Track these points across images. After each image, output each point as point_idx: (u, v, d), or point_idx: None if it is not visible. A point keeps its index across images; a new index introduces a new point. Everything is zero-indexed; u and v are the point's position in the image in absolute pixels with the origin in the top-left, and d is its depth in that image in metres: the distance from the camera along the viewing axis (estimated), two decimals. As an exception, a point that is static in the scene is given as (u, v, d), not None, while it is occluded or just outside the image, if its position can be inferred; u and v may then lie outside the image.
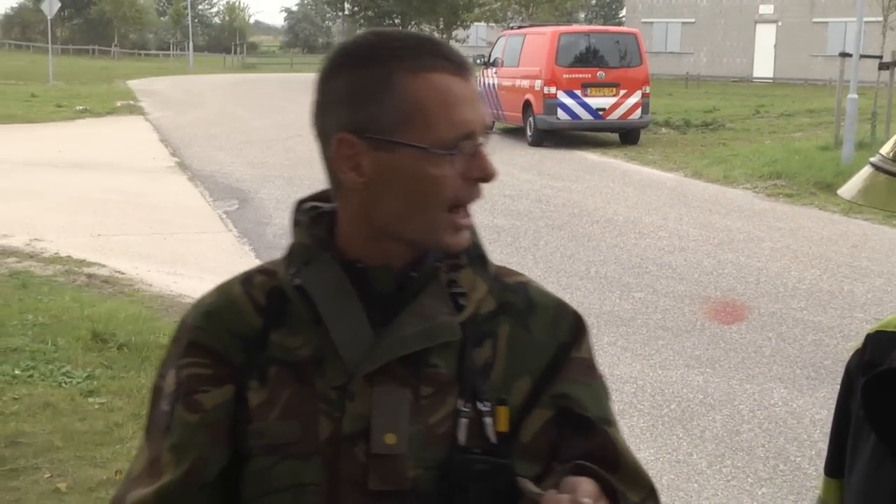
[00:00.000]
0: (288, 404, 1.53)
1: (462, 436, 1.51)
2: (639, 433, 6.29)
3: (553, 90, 21.91)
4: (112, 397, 6.22)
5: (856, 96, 18.15)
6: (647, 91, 22.70)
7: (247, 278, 1.63)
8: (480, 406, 1.53)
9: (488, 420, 1.53)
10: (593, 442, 1.55)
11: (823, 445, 6.38)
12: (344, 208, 1.57)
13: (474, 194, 1.52)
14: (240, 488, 1.55)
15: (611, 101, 22.16)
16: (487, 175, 1.51)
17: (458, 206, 1.52)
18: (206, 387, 1.55)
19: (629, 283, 10.00)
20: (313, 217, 1.60)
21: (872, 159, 1.41)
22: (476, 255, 1.62)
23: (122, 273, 10.23)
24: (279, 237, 12.21)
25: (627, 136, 22.87)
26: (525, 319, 1.61)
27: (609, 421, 1.60)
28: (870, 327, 1.66)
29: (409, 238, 1.54)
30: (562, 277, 10.15)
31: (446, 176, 1.50)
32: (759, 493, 5.49)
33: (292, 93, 42.07)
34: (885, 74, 19.91)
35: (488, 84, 25.05)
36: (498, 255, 11.77)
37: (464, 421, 1.52)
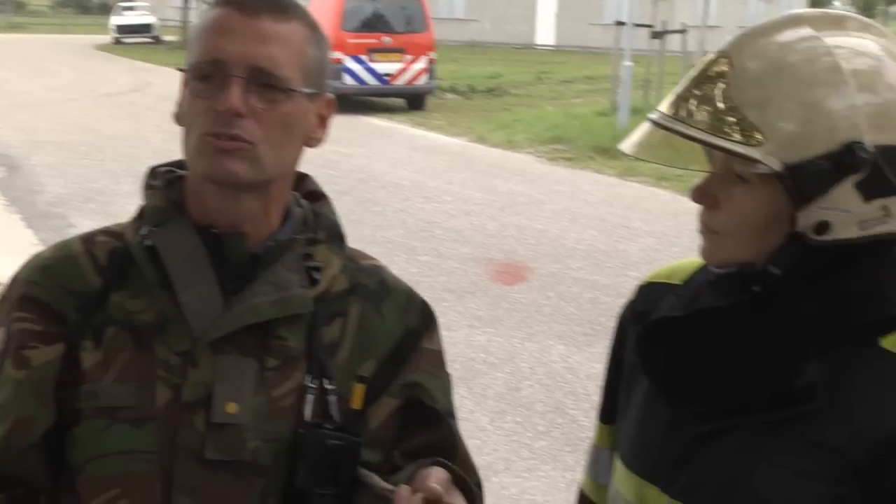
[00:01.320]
0: (125, 368, 1.48)
1: (307, 412, 1.49)
2: (424, 393, 6.38)
3: (338, 55, 21.75)
4: None
5: (630, 64, 18.73)
6: (433, 57, 22.79)
7: (89, 237, 1.57)
8: (327, 384, 1.51)
9: (332, 398, 1.51)
10: (438, 433, 1.59)
11: (598, 398, 6.60)
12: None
13: (219, 125, 1.45)
14: (68, 451, 1.49)
15: (397, 66, 22.19)
16: (222, 105, 1.44)
17: (211, 133, 1.46)
18: (35, 343, 1.49)
19: (415, 247, 10.08)
20: (169, 180, 1.57)
21: (651, 115, 1.46)
22: (334, 233, 1.62)
23: None
24: (52, 205, 11.77)
25: (414, 101, 22.95)
26: (378, 303, 1.61)
27: (453, 414, 1.63)
28: (641, 279, 1.72)
29: (191, 167, 1.51)
30: (349, 242, 10.04)
31: (194, 100, 1.48)
32: (538, 445, 5.67)
33: (64, 55, 40.40)
34: (657, 43, 20.73)
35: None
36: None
37: (310, 397, 1.50)
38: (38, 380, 1.48)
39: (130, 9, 55.86)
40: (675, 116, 1.41)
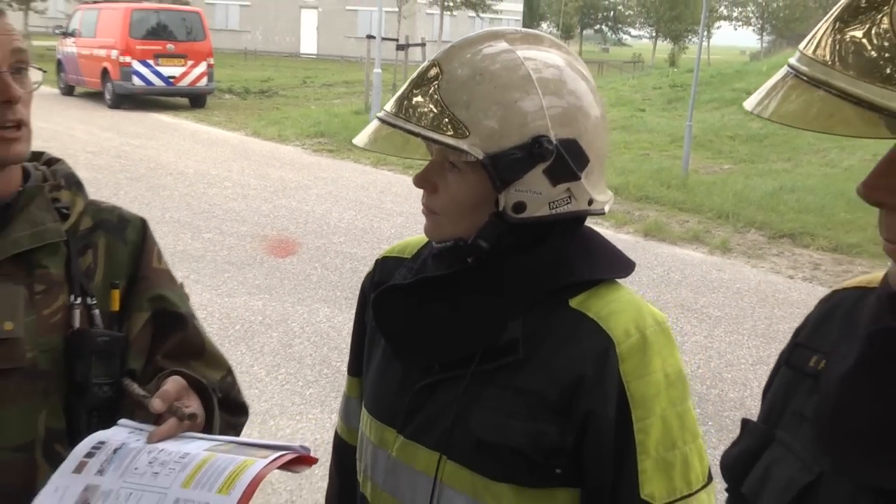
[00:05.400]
0: None
1: (76, 322, 1.52)
2: (209, 352, 6.23)
3: (128, 59, 20.87)
4: None
5: (380, 71, 18.83)
6: (212, 62, 22.18)
7: None
8: (89, 300, 1.54)
9: (95, 311, 1.54)
10: (186, 332, 1.63)
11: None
12: None
13: (8, 115, 1.46)
14: None
15: (180, 70, 21.47)
16: (8, 97, 1.46)
17: (1, 127, 1.47)
18: None
19: (199, 226, 9.79)
20: None
21: (379, 114, 1.45)
22: (72, 179, 1.65)
23: None
24: None
25: (196, 100, 22.29)
26: (120, 233, 1.64)
27: (194, 316, 1.69)
28: (378, 254, 1.71)
29: None
30: (139, 223, 9.71)
31: None
32: (308, 393, 5.62)
33: None
34: (402, 54, 20.96)
35: (68, 52, 23.38)
36: (79, 205, 10.75)
37: (76, 312, 1.52)
38: None
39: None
40: (398, 114, 1.41)
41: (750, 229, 10.74)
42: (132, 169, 13.09)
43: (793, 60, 0.85)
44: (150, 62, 21.12)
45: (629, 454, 1.36)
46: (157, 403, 1.37)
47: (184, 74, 21.57)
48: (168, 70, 21.33)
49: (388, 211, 11.06)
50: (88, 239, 1.60)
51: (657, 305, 8.44)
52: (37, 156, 1.70)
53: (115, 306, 1.57)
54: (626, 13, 60.56)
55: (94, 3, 24.78)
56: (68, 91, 23.75)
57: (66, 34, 23.89)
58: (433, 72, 1.41)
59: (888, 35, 0.77)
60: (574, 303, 1.43)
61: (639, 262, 10.03)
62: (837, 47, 0.80)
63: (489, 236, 1.42)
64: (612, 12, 60.33)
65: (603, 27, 63.27)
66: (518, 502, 1.40)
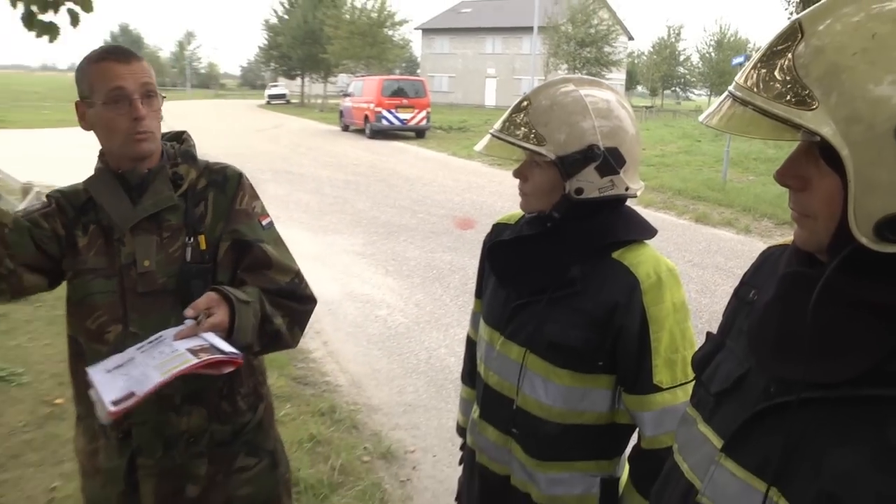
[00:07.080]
0: (99, 248, 1.46)
1: (188, 256, 1.46)
2: (418, 285, 6.30)
3: (380, 109, 21.44)
4: None
5: (531, 116, 18.41)
6: (430, 111, 22.39)
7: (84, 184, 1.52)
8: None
9: (202, 248, 1.48)
10: (254, 254, 1.50)
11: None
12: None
13: (138, 126, 1.41)
14: (70, 293, 1.47)
15: (410, 115, 21.77)
16: (136, 115, 1.40)
17: (135, 133, 1.42)
18: (52, 217, 1.48)
19: (415, 210, 9.89)
20: (101, 153, 1.51)
21: (490, 131, 1.39)
22: (188, 155, 1.54)
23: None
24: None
25: (419, 134, 22.52)
26: (223, 187, 1.53)
27: (262, 240, 1.51)
28: (495, 221, 1.65)
29: (117, 152, 1.46)
30: (381, 207, 9.95)
31: (116, 116, 1.41)
32: (475, 313, 5.57)
33: (239, 110, 39.65)
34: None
35: (346, 106, 24.17)
36: (350, 194, 11.12)
37: (188, 249, 1.46)
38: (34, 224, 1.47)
39: (275, 85, 54.96)
40: (503, 131, 1.37)
41: (764, 219, 9.85)
42: (379, 175, 13.43)
43: (730, 87, 0.79)
44: (393, 111, 21.56)
45: (646, 354, 1.31)
46: (188, 311, 1.29)
47: (412, 118, 21.88)
48: (403, 115, 21.67)
49: (531, 203, 10.80)
50: (203, 194, 1.51)
51: (702, 266, 7.82)
52: (178, 135, 1.59)
53: (203, 246, 1.47)
54: (692, 79, 57.33)
55: (362, 76, 25.55)
56: (345, 129, 24.55)
57: (345, 95, 24.72)
58: (524, 103, 1.37)
59: (791, 70, 0.74)
60: (615, 255, 1.36)
61: (690, 239, 9.30)
62: (759, 78, 0.76)
63: (560, 209, 1.37)
64: (682, 79, 57.37)
65: (677, 88, 60.16)
66: (573, 381, 1.36)
